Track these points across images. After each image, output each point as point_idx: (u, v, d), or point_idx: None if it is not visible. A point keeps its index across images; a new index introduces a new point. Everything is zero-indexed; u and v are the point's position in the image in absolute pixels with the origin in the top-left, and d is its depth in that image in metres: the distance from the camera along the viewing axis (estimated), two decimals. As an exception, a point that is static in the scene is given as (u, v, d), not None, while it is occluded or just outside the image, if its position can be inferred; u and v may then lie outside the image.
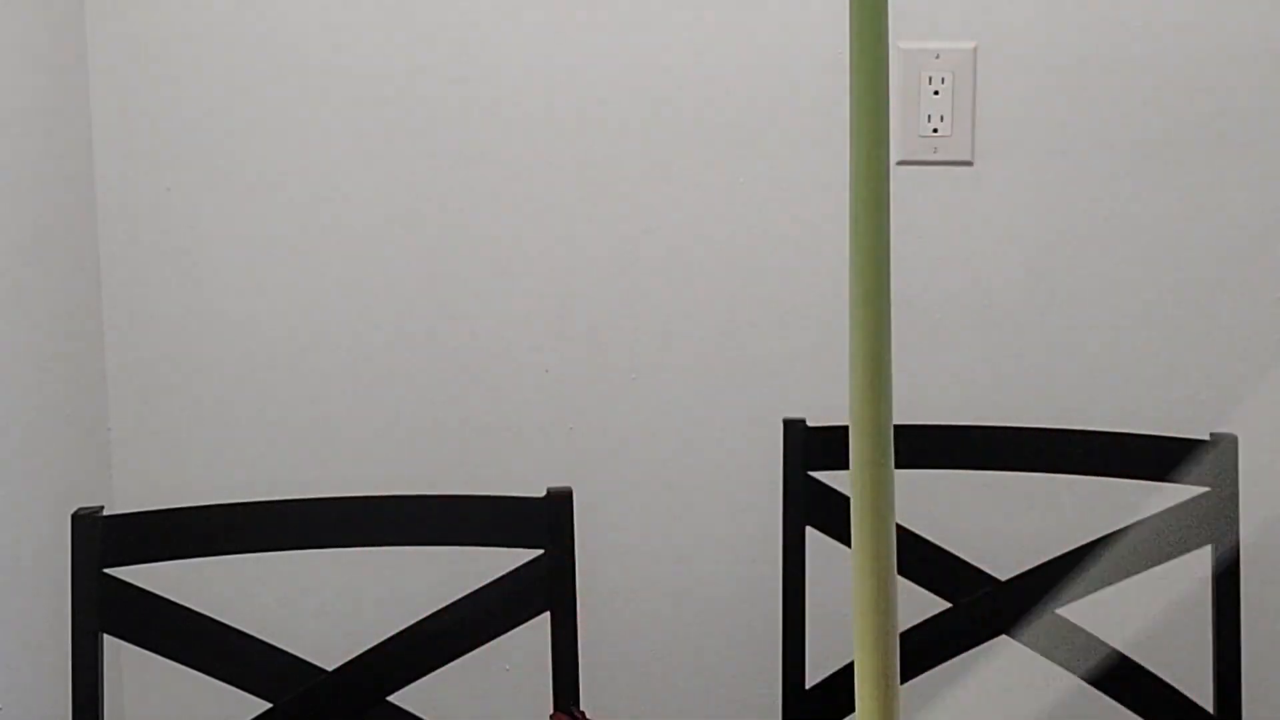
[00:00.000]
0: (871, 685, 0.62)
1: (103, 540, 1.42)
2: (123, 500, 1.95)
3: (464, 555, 1.47)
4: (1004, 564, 1.61)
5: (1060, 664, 1.59)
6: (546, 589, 1.47)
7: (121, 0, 1.90)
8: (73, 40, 1.89)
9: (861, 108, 0.58)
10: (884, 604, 0.61)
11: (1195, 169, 1.88)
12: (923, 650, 1.58)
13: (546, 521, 1.47)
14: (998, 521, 1.92)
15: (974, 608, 1.60)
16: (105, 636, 1.43)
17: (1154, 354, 1.92)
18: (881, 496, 0.59)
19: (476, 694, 1.93)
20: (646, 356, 1.95)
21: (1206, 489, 1.56)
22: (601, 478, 1.96)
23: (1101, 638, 1.58)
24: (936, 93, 1.87)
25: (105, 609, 1.42)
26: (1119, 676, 1.58)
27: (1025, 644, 1.60)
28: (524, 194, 1.93)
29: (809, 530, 1.59)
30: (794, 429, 1.60)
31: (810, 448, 1.59)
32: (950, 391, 1.92)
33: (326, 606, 1.98)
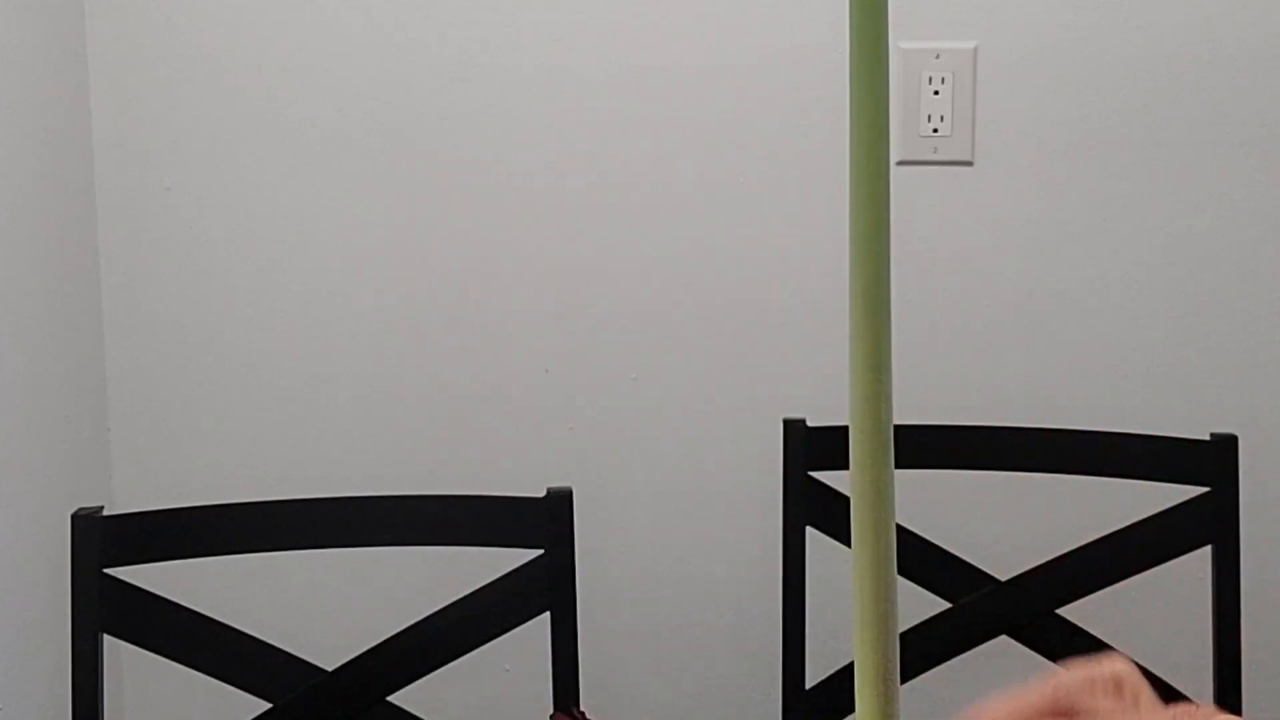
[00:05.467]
0: (871, 685, 0.62)
1: (102, 540, 1.42)
2: (123, 500, 1.95)
3: (464, 555, 1.46)
4: (1004, 564, 1.61)
5: (1060, 664, 1.59)
6: (546, 589, 1.47)
7: (121, 0, 1.90)
8: (73, 40, 1.89)
9: (861, 108, 0.58)
10: (884, 604, 0.61)
11: (1195, 169, 1.88)
12: (923, 650, 1.58)
13: (546, 521, 1.47)
14: (998, 521, 1.92)
15: (974, 608, 1.60)
16: (105, 636, 1.43)
17: (1154, 354, 1.92)
18: (881, 497, 0.59)
19: (476, 694, 1.93)
20: (646, 356, 1.95)
21: (1206, 489, 1.56)
22: (601, 478, 1.96)
23: (1101, 638, 1.58)
24: (936, 93, 1.87)
25: (105, 609, 1.42)
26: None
27: (1025, 644, 1.60)
28: (524, 193, 1.93)
29: (809, 530, 1.59)
30: (794, 429, 1.60)
31: (810, 448, 1.59)
32: (950, 391, 1.92)
33: (326, 606, 1.98)
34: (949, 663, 1.60)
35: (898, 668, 0.63)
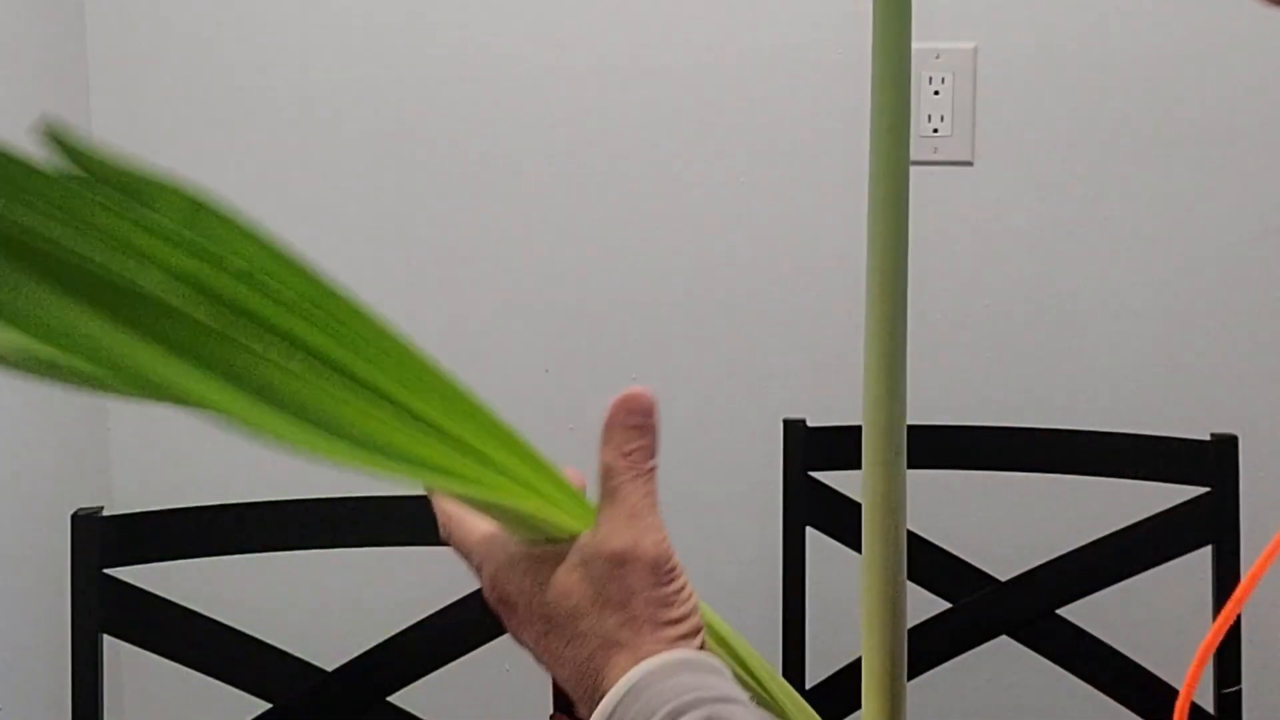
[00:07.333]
0: (879, 684, 0.62)
1: (103, 540, 1.42)
2: (123, 500, 1.95)
3: (465, 555, 1.46)
4: (1004, 564, 1.61)
5: (1060, 664, 1.59)
6: (547, 589, 1.46)
7: (121, 0, 1.90)
8: (73, 40, 1.88)
9: (883, 107, 0.58)
10: (892, 600, 0.61)
11: (1195, 169, 1.88)
12: (923, 650, 1.58)
13: (547, 521, 1.47)
14: (998, 521, 1.92)
15: (974, 608, 1.60)
16: (105, 636, 1.43)
17: (1154, 354, 1.92)
18: (894, 491, 0.59)
19: (476, 694, 1.92)
20: (646, 356, 1.95)
21: (1206, 489, 1.56)
22: (601, 478, 1.96)
23: (1101, 638, 1.58)
24: (937, 93, 1.87)
25: (105, 609, 1.42)
26: (1119, 676, 1.58)
27: (1025, 644, 1.60)
28: (524, 193, 1.93)
29: (809, 530, 1.59)
30: (794, 429, 1.60)
31: (810, 448, 1.59)
32: (950, 391, 1.92)
33: (326, 606, 1.97)
34: (949, 663, 1.60)
35: (905, 666, 0.63)
